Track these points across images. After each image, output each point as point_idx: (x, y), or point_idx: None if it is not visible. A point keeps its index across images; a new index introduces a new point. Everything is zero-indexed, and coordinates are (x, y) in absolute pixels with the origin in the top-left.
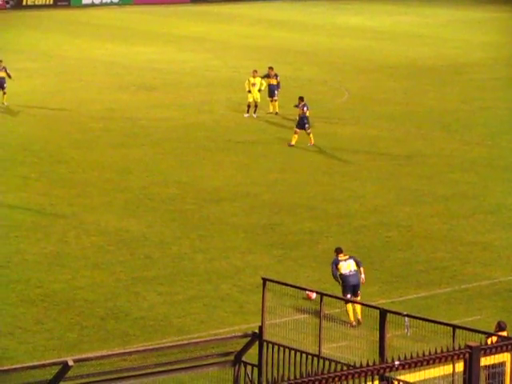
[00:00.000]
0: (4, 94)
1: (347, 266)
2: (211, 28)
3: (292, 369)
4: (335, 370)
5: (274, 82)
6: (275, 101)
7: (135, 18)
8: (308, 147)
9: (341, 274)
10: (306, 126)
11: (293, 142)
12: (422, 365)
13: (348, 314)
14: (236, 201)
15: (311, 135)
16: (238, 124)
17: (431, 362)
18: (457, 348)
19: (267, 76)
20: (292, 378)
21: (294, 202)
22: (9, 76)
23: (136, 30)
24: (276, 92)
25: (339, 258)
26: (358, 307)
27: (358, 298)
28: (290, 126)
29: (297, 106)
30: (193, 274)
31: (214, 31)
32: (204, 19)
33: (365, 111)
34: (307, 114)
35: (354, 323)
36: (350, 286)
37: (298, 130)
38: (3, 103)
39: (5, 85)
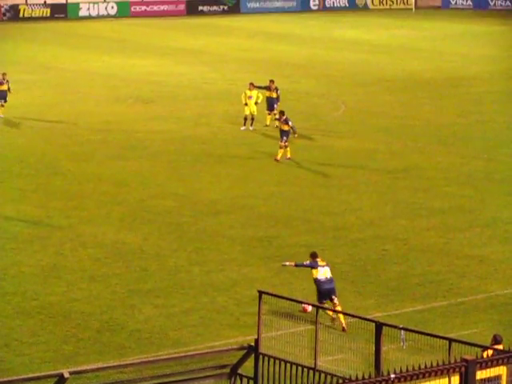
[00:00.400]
0: (2, 106)
1: (324, 273)
2: (208, 41)
3: (288, 382)
4: (331, 383)
5: (273, 95)
6: (275, 114)
7: (132, 31)
8: (291, 160)
9: (316, 279)
10: (284, 138)
11: (288, 155)
12: (417, 378)
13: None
14: (233, 213)
15: (282, 150)
16: (234, 137)
17: (427, 375)
18: (453, 361)
19: (268, 89)
20: None
21: (291, 215)
22: (9, 90)
23: (133, 43)
24: (275, 106)
25: (319, 263)
26: (341, 315)
27: (337, 303)
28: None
29: (278, 120)
30: (189, 287)
31: (211, 44)
32: (201, 32)
33: (361, 124)
34: (290, 128)
35: (334, 316)
36: (324, 292)
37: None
38: (0, 115)
39: (7, 98)
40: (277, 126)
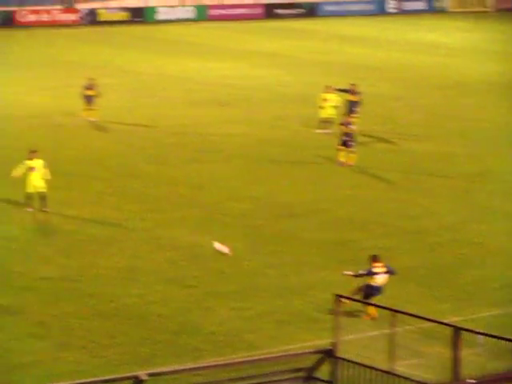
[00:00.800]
0: (87, 109)
1: (379, 280)
2: (284, 44)
3: None
4: None
5: (354, 98)
6: (354, 118)
7: (209, 34)
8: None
9: (369, 285)
10: (349, 143)
11: (341, 159)
12: None
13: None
14: (309, 216)
15: (353, 155)
16: (310, 139)
17: (506, 381)
18: None
19: (348, 92)
20: None
21: (367, 218)
22: (97, 95)
23: (210, 46)
24: (355, 109)
25: (376, 270)
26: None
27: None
28: (363, 141)
29: (343, 124)
30: (265, 290)
31: (287, 47)
32: (277, 35)
33: (438, 128)
34: (353, 131)
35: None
36: (370, 297)
37: (341, 148)
38: (89, 118)
39: (92, 103)
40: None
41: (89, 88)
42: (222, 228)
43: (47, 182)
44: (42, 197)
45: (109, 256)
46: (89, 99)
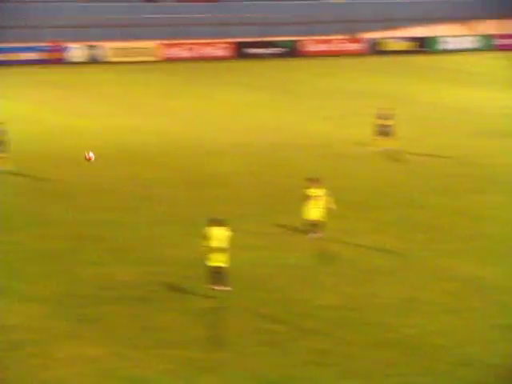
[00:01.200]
0: (378, 139)
1: None
2: None
3: None
4: None
5: None
6: None
7: (493, 64)
8: None
9: None
10: None
11: None
12: None
13: None
14: None
15: None
16: None
17: None
18: None
19: None
20: None
21: None
22: (392, 125)
23: (493, 76)
24: None
25: None
26: None
27: None
28: None
29: None
30: None
31: None
32: None
33: None
34: None
35: None
36: None
37: None
38: (381, 148)
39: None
40: None
41: (382, 118)
42: (504, 260)
43: (331, 210)
44: (319, 225)
45: (389, 285)
46: (382, 129)
